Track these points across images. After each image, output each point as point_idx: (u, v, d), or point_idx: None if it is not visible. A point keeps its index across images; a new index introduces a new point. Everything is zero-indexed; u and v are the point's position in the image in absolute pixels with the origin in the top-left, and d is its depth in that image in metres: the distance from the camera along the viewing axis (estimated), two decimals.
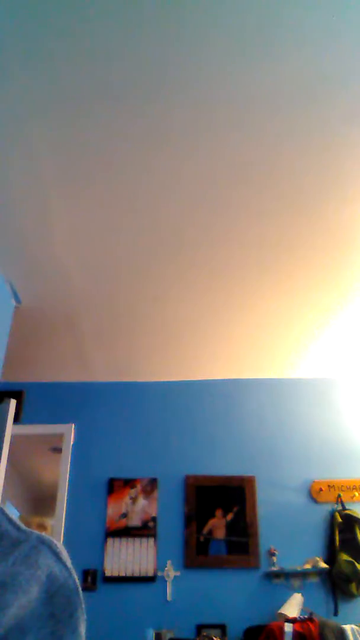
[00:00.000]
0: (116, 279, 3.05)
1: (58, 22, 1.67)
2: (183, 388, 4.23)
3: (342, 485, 3.76)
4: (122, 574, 3.50)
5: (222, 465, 3.88)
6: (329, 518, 3.67)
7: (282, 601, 3.30)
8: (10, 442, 3.18)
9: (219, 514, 3.71)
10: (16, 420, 3.59)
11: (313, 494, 3.76)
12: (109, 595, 3.45)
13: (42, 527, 2.60)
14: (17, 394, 3.97)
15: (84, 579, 3.46)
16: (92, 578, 3.47)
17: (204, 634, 3.22)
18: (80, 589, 0.43)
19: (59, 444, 4.27)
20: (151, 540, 3.62)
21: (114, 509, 3.73)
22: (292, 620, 3.01)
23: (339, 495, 3.71)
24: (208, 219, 2.58)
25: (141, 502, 3.76)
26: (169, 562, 3.55)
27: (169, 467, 3.87)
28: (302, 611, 3.22)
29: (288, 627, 2.92)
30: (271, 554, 3.53)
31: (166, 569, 3.53)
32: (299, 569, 3.44)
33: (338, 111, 2.00)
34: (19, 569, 0.39)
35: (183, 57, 1.79)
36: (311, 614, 3.15)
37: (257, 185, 2.37)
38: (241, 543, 3.60)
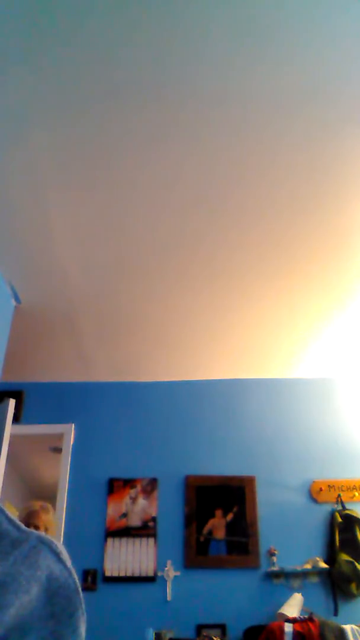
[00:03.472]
0: (116, 279, 3.05)
1: (58, 23, 1.67)
2: (183, 388, 4.23)
3: (342, 485, 3.76)
4: (122, 574, 3.50)
5: (222, 465, 3.88)
6: (329, 518, 3.67)
7: (282, 601, 3.29)
8: (10, 442, 3.18)
9: (219, 514, 3.71)
10: (16, 420, 3.59)
11: (313, 494, 3.76)
12: (109, 595, 3.45)
13: (45, 510, 2.61)
14: (17, 394, 3.97)
15: (84, 579, 3.46)
16: (92, 578, 3.47)
17: (204, 634, 3.22)
18: (80, 589, 0.43)
19: (59, 444, 4.27)
20: (151, 540, 3.62)
21: (114, 509, 3.73)
22: (292, 620, 3.00)
23: (339, 495, 3.71)
24: (208, 219, 2.58)
25: (141, 502, 3.76)
26: (169, 562, 3.55)
27: (169, 467, 3.87)
28: (302, 611, 3.22)
29: (288, 627, 2.92)
30: (271, 554, 3.53)
31: (166, 569, 3.52)
32: (299, 569, 3.44)
33: (338, 111, 2.00)
34: (19, 569, 0.39)
35: (183, 58, 1.79)
36: (311, 614, 3.15)
37: (256, 186, 2.37)
38: (241, 543, 3.60)
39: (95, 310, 3.34)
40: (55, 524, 2.62)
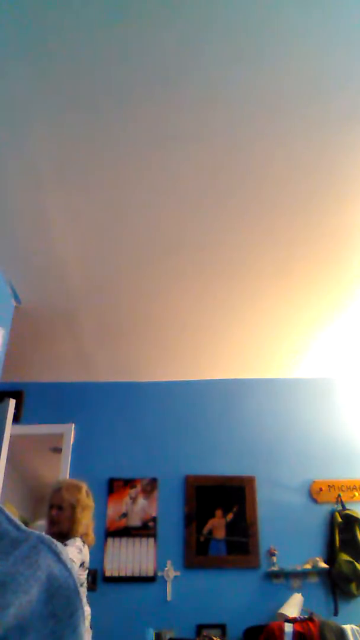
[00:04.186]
0: (116, 278, 3.05)
1: (58, 24, 1.67)
2: (183, 388, 4.23)
3: (342, 485, 3.76)
4: (122, 574, 3.51)
5: (222, 465, 3.88)
6: (329, 518, 3.67)
7: (282, 601, 3.30)
8: (10, 442, 3.18)
9: (219, 514, 3.71)
10: (16, 420, 3.59)
11: (313, 494, 3.76)
12: (109, 595, 3.45)
13: (70, 487, 2.46)
14: (17, 394, 3.97)
15: None
16: (92, 578, 3.47)
17: (204, 634, 3.23)
18: (80, 589, 0.43)
19: (59, 444, 4.28)
20: (151, 540, 3.62)
21: (114, 509, 3.73)
22: (292, 620, 3.01)
23: (339, 495, 3.71)
24: (208, 219, 2.58)
25: (141, 502, 3.76)
26: (169, 562, 3.55)
27: (169, 467, 3.87)
28: (302, 611, 3.22)
29: (288, 627, 2.92)
30: (271, 554, 3.53)
31: (166, 569, 3.53)
32: (299, 569, 3.44)
33: (338, 111, 2.00)
34: (18, 568, 0.39)
35: (182, 58, 1.79)
36: (311, 614, 3.15)
37: (257, 186, 2.37)
38: (241, 543, 3.60)
39: (96, 310, 3.34)
40: (89, 504, 2.42)
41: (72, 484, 2.49)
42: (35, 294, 3.17)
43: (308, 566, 3.45)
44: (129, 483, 3.82)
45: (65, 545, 2.21)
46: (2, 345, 2.90)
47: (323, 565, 3.43)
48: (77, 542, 2.25)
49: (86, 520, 2.37)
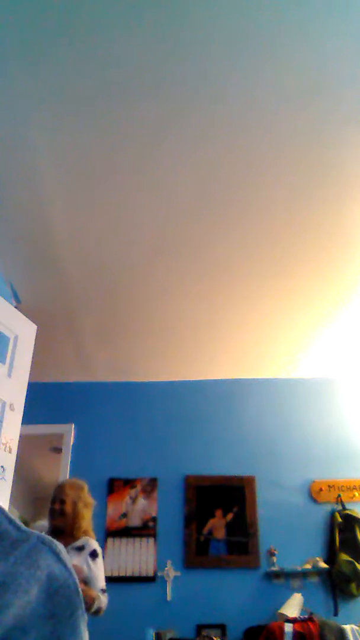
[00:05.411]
0: (116, 279, 3.05)
1: (58, 25, 1.67)
2: (183, 388, 4.22)
3: (342, 485, 3.76)
4: (122, 574, 3.50)
5: (222, 465, 3.88)
6: (329, 518, 3.66)
7: (282, 601, 3.29)
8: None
9: (219, 514, 3.71)
10: None
11: (313, 494, 3.76)
12: (109, 595, 3.45)
13: (73, 485, 2.65)
14: None
15: None
16: None
17: (204, 634, 3.22)
18: (80, 588, 0.43)
19: (59, 444, 4.27)
20: (151, 540, 3.62)
21: (114, 509, 3.73)
22: (292, 620, 3.00)
23: (339, 495, 3.71)
24: (209, 220, 2.58)
25: (141, 502, 3.76)
26: (169, 562, 3.55)
27: (169, 467, 3.87)
28: (302, 611, 3.22)
29: (288, 627, 2.92)
30: (271, 554, 3.53)
31: (166, 569, 3.52)
32: (299, 569, 3.44)
33: (339, 111, 2.00)
34: (19, 569, 0.39)
35: (184, 59, 1.79)
36: (311, 614, 3.15)
37: (257, 187, 2.37)
38: (241, 543, 3.60)
39: (96, 310, 3.34)
40: (90, 501, 2.57)
41: (75, 482, 2.65)
42: (35, 294, 3.17)
43: (308, 566, 3.45)
44: (129, 483, 3.82)
45: (96, 556, 2.44)
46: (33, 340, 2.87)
47: (323, 565, 3.43)
48: (97, 546, 2.44)
49: (88, 517, 2.51)
